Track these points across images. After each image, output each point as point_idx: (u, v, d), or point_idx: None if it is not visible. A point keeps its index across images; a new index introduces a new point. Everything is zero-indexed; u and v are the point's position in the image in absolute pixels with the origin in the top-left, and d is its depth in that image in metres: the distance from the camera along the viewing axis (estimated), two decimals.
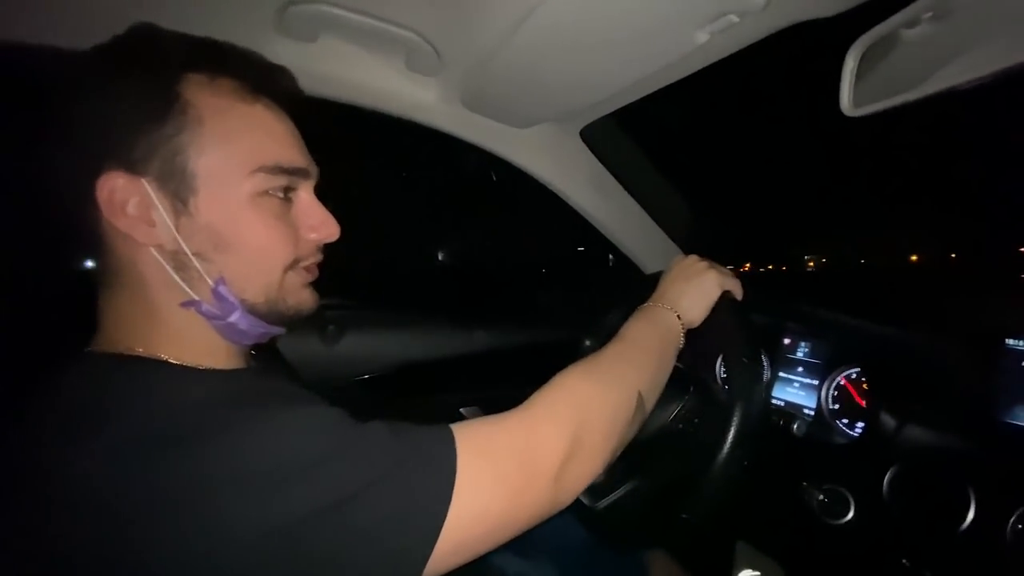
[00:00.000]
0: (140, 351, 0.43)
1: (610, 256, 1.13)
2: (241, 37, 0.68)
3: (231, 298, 0.45)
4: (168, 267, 0.43)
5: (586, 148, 0.97)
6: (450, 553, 0.39)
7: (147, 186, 0.42)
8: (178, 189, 0.42)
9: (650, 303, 0.67)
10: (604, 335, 0.88)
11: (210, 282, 0.44)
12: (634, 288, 1.04)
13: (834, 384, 0.81)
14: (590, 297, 1.30)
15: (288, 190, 0.47)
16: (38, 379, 0.41)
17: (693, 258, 0.71)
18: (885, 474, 0.66)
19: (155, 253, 0.43)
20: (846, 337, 0.83)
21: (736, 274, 0.71)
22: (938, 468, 0.63)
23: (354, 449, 0.39)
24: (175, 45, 0.44)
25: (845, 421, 0.78)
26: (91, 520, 0.33)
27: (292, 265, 0.48)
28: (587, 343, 0.89)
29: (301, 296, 0.50)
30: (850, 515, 0.69)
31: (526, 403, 0.49)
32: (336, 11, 0.65)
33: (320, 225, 0.50)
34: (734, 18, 0.53)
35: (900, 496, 0.65)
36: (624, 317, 0.87)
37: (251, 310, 0.46)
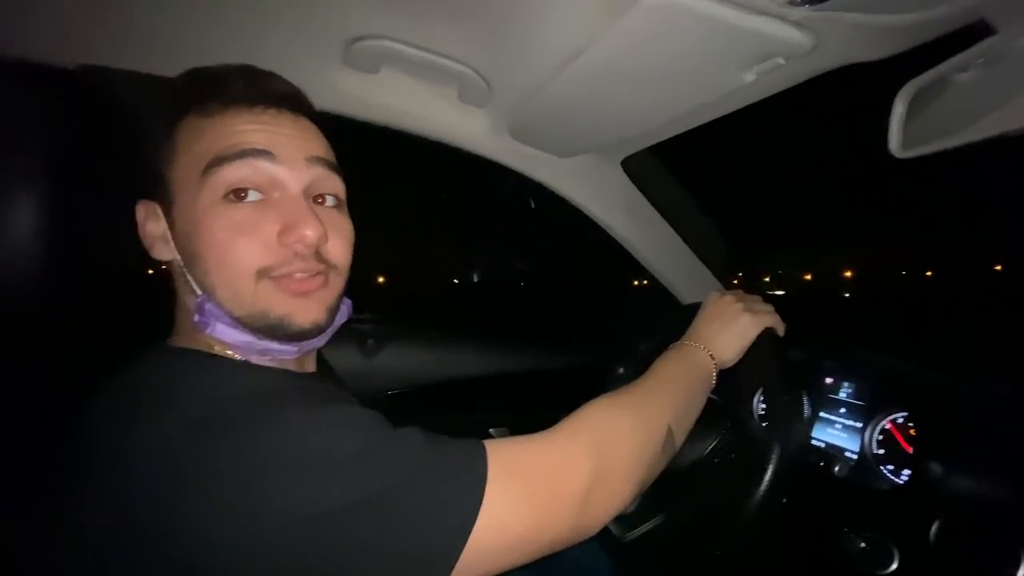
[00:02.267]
0: (204, 347, 0.48)
1: (637, 283, 1.14)
2: (311, 70, 0.75)
3: (213, 309, 0.45)
4: (191, 280, 0.47)
5: (626, 178, 0.99)
6: (473, 562, 0.40)
7: (157, 208, 0.48)
8: (163, 203, 0.48)
9: (685, 340, 0.67)
10: (638, 363, 0.89)
11: (199, 292, 0.46)
12: (670, 317, 1.04)
13: (879, 428, 0.79)
14: (624, 324, 1.29)
15: (242, 191, 0.45)
16: (119, 367, 0.46)
17: (730, 298, 0.71)
18: (931, 524, 0.63)
19: (178, 266, 0.49)
20: (893, 379, 0.80)
21: (776, 307, 0.71)
22: (988, 521, 0.60)
23: (389, 448, 0.41)
24: (182, 82, 0.50)
25: (891, 467, 0.75)
26: (148, 495, 0.36)
27: (263, 273, 0.45)
28: (620, 370, 0.90)
29: (289, 308, 0.46)
30: (894, 566, 0.66)
31: (555, 427, 0.50)
32: (398, 46, 0.70)
33: (288, 226, 0.45)
34: (781, 60, 0.54)
35: (947, 548, 0.62)
36: (658, 346, 0.88)
37: (238, 323, 0.46)
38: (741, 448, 0.73)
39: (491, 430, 1.26)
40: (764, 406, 0.93)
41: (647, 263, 1.07)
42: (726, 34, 0.50)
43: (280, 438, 0.38)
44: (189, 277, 0.46)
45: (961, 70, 0.51)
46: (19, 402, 0.47)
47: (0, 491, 0.46)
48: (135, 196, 0.50)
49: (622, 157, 0.96)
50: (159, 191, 0.48)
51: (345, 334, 0.54)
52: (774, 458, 0.59)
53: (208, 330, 0.45)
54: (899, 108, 0.52)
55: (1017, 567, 0.55)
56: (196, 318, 0.46)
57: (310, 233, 0.45)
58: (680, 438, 0.58)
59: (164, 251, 0.49)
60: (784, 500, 0.59)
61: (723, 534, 0.61)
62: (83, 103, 0.79)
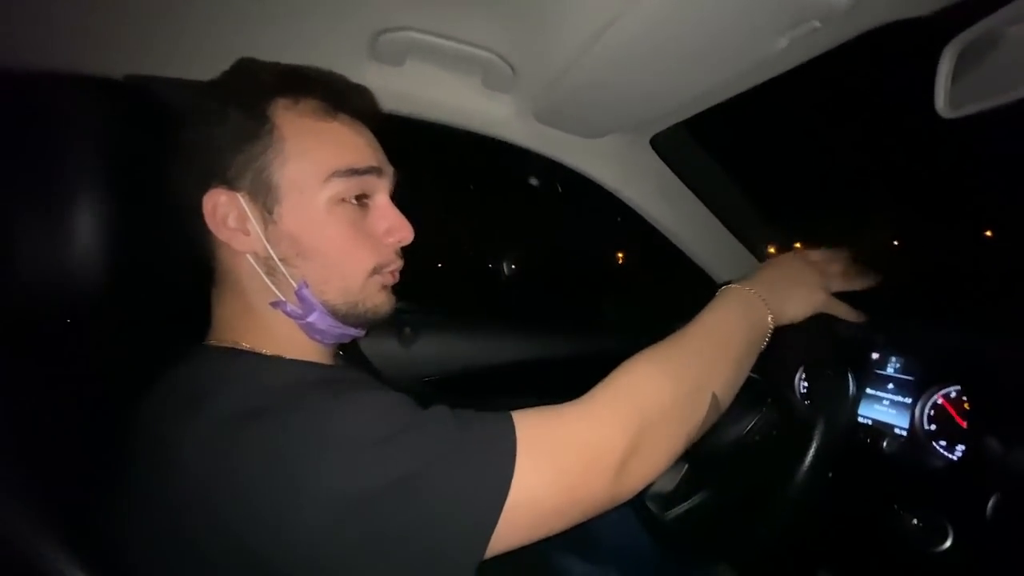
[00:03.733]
0: (244, 345, 0.50)
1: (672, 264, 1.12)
2: (337, 63, 0.75)
3: (312, 300, 0.49)
4: (261, 272, 0.49)
5: (656, 157, 0.97)
6: (507, 534, 0.40)
7: (242, 200, 0.48)
8: (266, 201, 0.48)
9: (744, 286, 0.59)
10: None
11: (294, 285, 0.49)
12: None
13: (930, 403, 0.76)
14: (660, 307, 1.28)
15: (363, 197, 0.51)
16: (161, 368, 0.48)
17: (808, 263, 0.63)
18: (988, 501, 0.61)
19: (250, 259, 0.49)
20: (942, 352, 0.77)
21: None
22: None
23: (418, 429, 0.42)
24: (268, 74, 0.51)
25: (943, 443, 0.73)
26: (197, 486, 0.39)
27: (375, 270, 0.52)
28: None
29: (378, 299, 0.53)
30: (948, 543, 0.64)
31: (589, 394, 0.48)
32: (422, 36, 0.71)
33: (394, 228, 0.53)
34: (816, 23, 0.52)
35: (1005, 525, 0.59)
36: None
37: (331, 312, 0.51)
38: (783, 426, 0.71)
39: None
40: (807, 384, 0.91)
41: (681, 244, 1.05)
42: None
43: (314, 424, 0.40)
44: (284, 269, 0.48)
45: (1014, 21, 0.48)
46: (66, 403, 0.50)
47: (53, 490, 0.48)
48: (195, 188, 0.49)
49: (651, 135, 0.94)
50: (253, 185, 0.48)
51: (383, 323, 0.56)
52: (818, 436, 0.57)
53: (309, 317, 0.49)
54: (945, 65, 0.49)
55: None
56: (288, 308, 0.49)
57: (409, 235, 0.54)
58: (727, 402, 0.53)
59: (244, 243, 0.48)
60: (830, 476, 0.57)
61: (766, 513, 0.60)
62: (108, 110, 0.82)
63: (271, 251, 0.48)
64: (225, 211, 0.48)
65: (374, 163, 0.51)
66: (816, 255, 0.66)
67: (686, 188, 1.01)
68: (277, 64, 0.52)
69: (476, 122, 0.88)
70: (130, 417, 0.45)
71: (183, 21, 0.68)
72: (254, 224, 0.48)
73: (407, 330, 1.15)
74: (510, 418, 0.44)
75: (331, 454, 0.38)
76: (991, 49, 0.49)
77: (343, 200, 0.49)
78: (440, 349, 1.21)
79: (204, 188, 0.48)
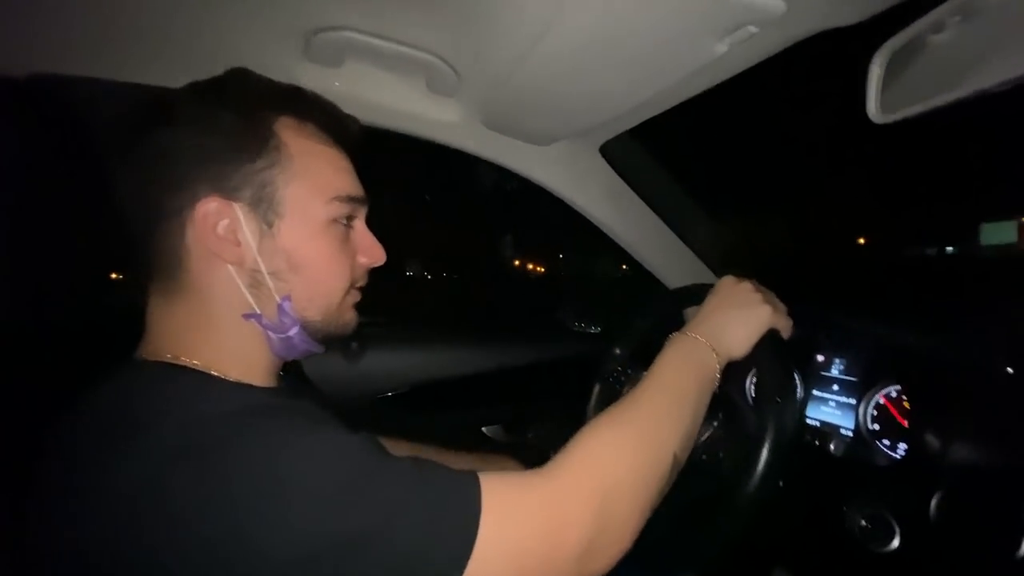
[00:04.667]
0: (184, 360, 0.46)
1: (623, 267, 1.12)
2: (271, 63, 0.72)
3: (292, 315, 0.49)
4: (241, 283, 0.47)
5: (606, 164, 0.97)
6: None
7: (239, 211, 0.47)
8: (266, 214, 0.48)
9: (688, 332, 0.60)
10: (634, 341, 0.87)
11: (277, 299, 0.48)
12: (665, 296, 1.03)
13: (873, 403, 0.78)
14: (615, 309, 1.28)
15: (350, 219, 0.53)
16: (88, 383, 0.44)
17: (747, 285, 0.64)
18: (931, 498, 0.62)
19: (231, 270, 0.47)
20: (884, 352, 0.79)
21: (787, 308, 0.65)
22: (988, 491, 0.59)
23: (378, 481, 0.39)
24: (270, 90, 0.51)
25: (886, 442, 0.74)
26: (124, 521, 0.36)
27: (349, 288, 0.53)
28: (617, 351, 0.87)
29: (349, 316, 0.54)
30: (895, 542, 0.65)
31: (552, 469, 0.46)
32: (360, 37, 0.68)
33: (371, 251, 0.55)
34: (752, 28, 0.52)
35: (949, 521, 0.61)
36: (655, 324, 0.86)
37: (306, 327, 0.51)
38: (733, 432, 0.71)
39: (484, 428, 1.25)
40: (755, 388, 0.92)
41: (631, 250, 1.05)
42: (693, 1, 0.48)
43: (262, 467, 0.37)
44: (270, 283, 0.48)
45: (936, 30, 0.49)
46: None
47: None
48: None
49: (600, 142, 0.94)
50: (254, 198, 0.47)
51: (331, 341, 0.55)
52: (768, 442, 0.57)
53: (290, 332, 0.50)
54: (875, 71, 0.51)
55: (1020, 535, 0.54)
56: (264, 321, 0.49)
57: (383, 258, 0.56)
58: (685, 455, 0.53)
59: (232, 253, 0.47)
60: (781, 484, 0.57)
61: (720, 523, 0.59)
62: (40, 109, 0.76)
63: (261, 263, 0.47)
64: (216, 220, 0.46)
65: (362, 192, 0.54)
66: (750, 280, 0.67)
67: (635, 195, 1.01)
68: (272, 80, 0.52)
69: (422, 127, 0.85)
70: (54, 433, 0.42)
71: (108, 13, 0.63)
72: (247, 235, 0.47)
73: (354, 344, 1.10)
74: (476, 482, 0.41)
75: (280, 508, 0.36)
76: (917, 56, 0.51)
77: (335, 220, 0.51)
78: (391, 363, 1.16)
79: (192, 194, 0.46)
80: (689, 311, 1.13)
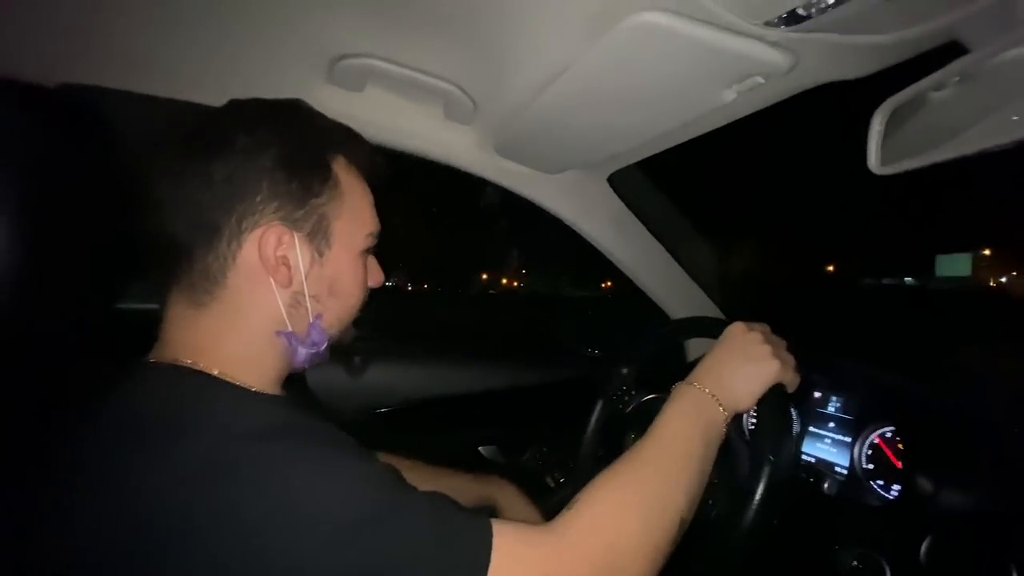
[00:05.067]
0: (202, 367, 0.47)
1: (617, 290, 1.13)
2: (295, 86, 0.75)
3: (324, 332, 0.54)
4: (281, 303, 0.50)
5: (613, 193, 0.99)
6: None
7: (297, 240, 0.50)
8: (319, 245, 0.52)
9: (695, 384, 0.59)
10: (639, 362, 0.88)
11: (311, 318, 0.52)
12: (673, 324, 1.04)
13: (868, 443, 0.78)
14: (621, 332, 1.29)
15: (370, 248, 0.58)
16: (103, 386, 0.45)
17: (757, 336, 0.61)
18: (922, 540, 0.63)
19: (276, 290, 0.50)
20: (880, 393, 0.80)
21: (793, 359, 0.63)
22: (978, 537, 0.59)
23: (394, 518, 0.40)
24: (331, 129, 0.55)
25: (880, 482, 0.75)
26: (140, 533, 0.37)
27: (359, 307, 0.58)
28: (624, 371, 0.88)
29: (350, 330, 0.59)
30: None
31: (560, 527, 0.46)
32: (383, 64, 0.70)
33: (377, 275, 0.60)
34: (760, 79, 0.55)
35: (938, 565, 0.61)
36: (660, 347, 0.86)
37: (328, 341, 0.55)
38: (728, 469, 0.72)
39: (480, 448, 1.25)
40: (753, 423, 0.93)
41: (636, 278, 1.07)
42: (705, 54, 0.51)
43: (286, 493, 0.38)
44: (309, 304, 0.52)
45: (937, 88, 0.52)
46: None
47: None
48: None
49: (608, 173, 0.96)
50: (313, 230, 0.51)
51: (331, 352, 0.56)
52: (764, 480, 0.57)
53: (320, 347, 0.54)
54: (876, 125, 0.53)
55: None
56: (295, 338, 0.52)
57: (383, 280, 0.61)
58: (691, 515, 0.52)
59: (283, 276, 0.50)
60: (775, 522, 0.57)
61: (712, 558, 0.59)
62: (64, 120, 0.78)
63: (306, 287, 0.51)
64: (276, 245, 0.49)
65: (380, 228, 0.58)
66: (760, 326, 0.65)
67: (641, 225, 1.03)
68: (328, 118, 0.56)
69: (436, 151, 0.87)
70: (71, 433, 0.43)
71: (139, 36, 0.67)
72: (300, 262, 0.50)
73: (356, 359, 1.11)
74: (489, 530, 0.42)
75: (293, 538, 0.37)
76: (917, 111, 0.53)
77: (365, 251, 0.56)
78: (391, 379, 1.17)
79: (256, 221, 0.49)
80: (692, 343, 1.14)
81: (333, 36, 0.68)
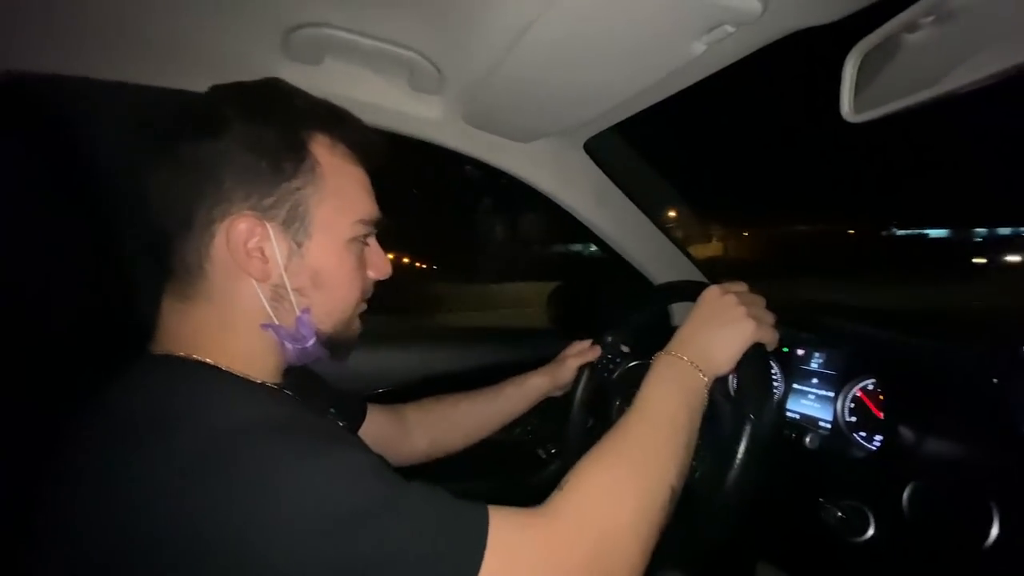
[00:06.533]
0: (198, 357, 0.46)
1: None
2: (250, 61, 0.71)
3: (311, 327, 0.51)
4: (263, 296, 0.48)
5: (590, 160, 0.97)
6: None
7: (271, 230, 0.47)
8: (296, 234, 0.48)
9: (674, 353, 0.59)
10: (624, 330, 0.87)
11: (297, 312, 0.50)
12: (656, 290, 1.03)
13: (850, 396, 0.79)
14: (605, 306, 1.29)
15: (367, 237, 0.54)
16: (101, 377, 0.44)
17: (732, 298, 0.61)
18: (904, 489, 0.64)
19: (255, 284, 0.48)
20: (861, 347, 0.81)
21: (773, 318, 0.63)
22: (959, 482, 0.60)
23: (389, 509, 0.39)
24: (307, 106, 0.51)
25: (863, 434, 0.76)
26: (135, 524, 0.36)
27: (360, 301, 0.55)
28: (609, 338, 0.88)
29: (356, 325, 0.56)
30: (870, 532, 0.67)
31: (552, 511, 0.45)
32: (340, 34, 0.67)
33: (381, 266, 0.57)
34: (729, 28, 0.53)
35: (921, 512, 0.62)
36: (642, 314, 0.86)
37: (319, 337, 0.52)
38: (712, 428, 0.72)
39: None
40: (737, 380, 0.93)
41: (616, 246, 1.06)
42: (670, 1, 0.49)
43: (279, 485, 0.37)
44: (293, 298, 0.49)
45: (910, 29, 0.50)
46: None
47: None
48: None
49: (584, 139, 0.94)
50: (287, 217, 0.48)
51: (336, 349, 0.55)
52: (745, 439, 0.57)
53: (307, 343, 0.51)
54: (849, 71, 0.51)
55: (990, 524, 0.55)
56: (282, 332, 0.50)
57: (389, 272, 0.58)
58: (681, 485, 0.51)
59: (258, 269, 0.47)
60: (761, 480, 0.57)
61: (698, 518, 0.60)
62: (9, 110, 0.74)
63: (286, 280, 0.48)
64: (248, 236, 0.46)
65: (380, 214, 0.55)
66: (736, 286, 0.64)
67: (619, 191, 1.02)
68: (307, 95, 0.52)
69: (404, 124, 0.84)
70: (73, 425, 0.42)
71: (79, 16, 0.63)
72: (276, 253, 0.47)
73: None
74: (485, 517, 0.41)
75: (288, 532, 0.36)
76: (891, 56, 0.51)
77: (356, 239, 0.52)
78: (381, 361, 1.16)
79: (226, 210, 0.46)
80: (676, 307, 1.14)
81: (285, 6, 0.64)
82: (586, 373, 0.87)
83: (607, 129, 0.90)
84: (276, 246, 0.47)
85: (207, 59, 0.71)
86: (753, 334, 0.59)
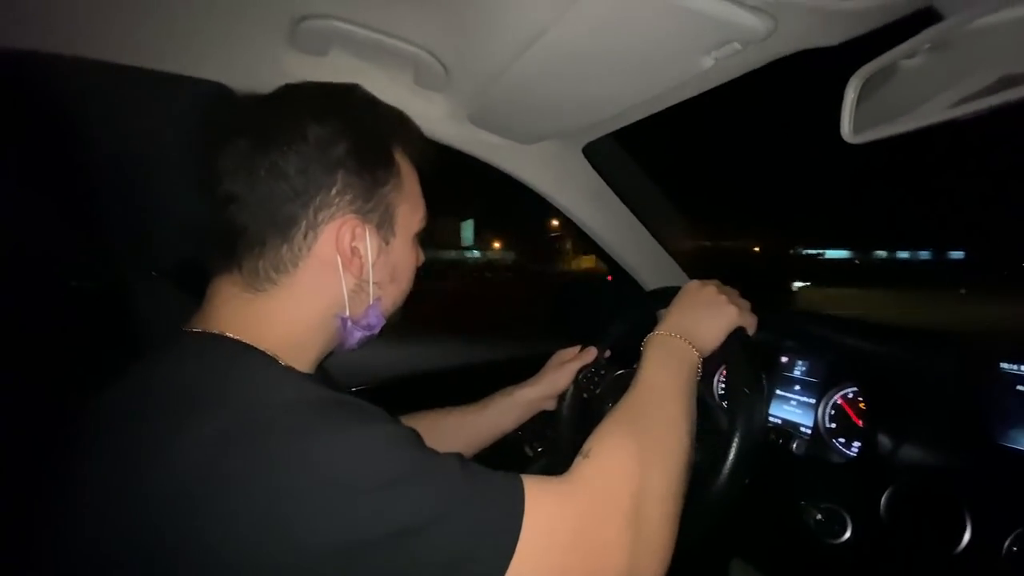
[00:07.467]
0: (245, 339, 0.47)
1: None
2: (255, 50, 0.70)
3: (381, 316, 0.55)
4: (346, 289, 0.51)
5: (588, 165, 0.98)
6: None
7: (368, 231, 0.51)
8: (386, 234, 0.53)
9: (663, 331, 0.63)
10: (609, 342, 0.88)
11: (370, 303, 0.54)
12: (641, 299, 1.05)
13: (831, 403, 0.82)
14: (592, 310, 1.30)
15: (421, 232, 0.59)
16: (143, 355, 0.46)
17: (712, 287, 0.68)
18: (882, 494, 0.67)
19: (343, 278, 0.51)
20: (843, 356, 0.84)
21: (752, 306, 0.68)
22: (934, 489, 0.63)
23: (427, 478, 0.40)
24: (391, 116, 0.56)
25: (842, 440, 0.79)
26: (176, 500, 0.36)
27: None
28: (604, 342, 0.88)
29: (400, 310, 0.60)
30: (847, 534, 0.70)
31: (581, 474, 0.46)
32: (347, 26, 0.67)
33: (421, 257, 0.61)
34: (738, 45, 0.54)
35: (897, 516, 0.65)
36: (629, 326, 0.87)
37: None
38: (703, 429, 0.74)
39: None
40: (725, 384, 0.96)
41: (610, 250, 1.07)
42: (683, 19, 0.50)
43: (313, 460, 0.38)
44: (372, 290, 0.53)
45: (909, 56, 0.52)
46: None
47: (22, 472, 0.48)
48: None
49: (584, 143, 0.95)
50: (381, 220, 0.52)
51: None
52: (739, 434, 0.59)
53: (376, 330, 0.56)
54: (851, 94, 0.53)
55: (963, 530, 0.58)
56: (352, 320, 0.53)
57: (423, 261, 0.62)
58: (692, 452, 0.54)
59: (354, 265, 0.51)
60: (746, 481, 0.59)
61: (694, 516, 0.61)
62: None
63: (372, 275, 0.52)
64: (350, 237, 0.50)
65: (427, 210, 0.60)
66: (711, 281, 0.71)
67: (616, 196, 1.03)
68: (386, 104, 0.56)
69: None
70: (118, 399, 0.44)
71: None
72: (369, 251, 0.52)
73: None
74: (520, 485, 0.42)
75: (326, 498, 0.37)
76: (891, 80, 0.53)
77: (418, 234, 0.58)
78: (367, 357, 1.15)
79: (332, 213, 0.49)
80: (661, 313, 1.16)
81: None
82: (570, 389, 0.87)
83: (606, 135, 0.91)
84: (370, 246, 0.52)
85: (214, 46, 0.69)
86: (735, 316, 0.65)
